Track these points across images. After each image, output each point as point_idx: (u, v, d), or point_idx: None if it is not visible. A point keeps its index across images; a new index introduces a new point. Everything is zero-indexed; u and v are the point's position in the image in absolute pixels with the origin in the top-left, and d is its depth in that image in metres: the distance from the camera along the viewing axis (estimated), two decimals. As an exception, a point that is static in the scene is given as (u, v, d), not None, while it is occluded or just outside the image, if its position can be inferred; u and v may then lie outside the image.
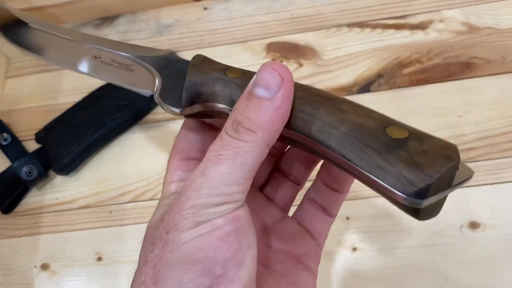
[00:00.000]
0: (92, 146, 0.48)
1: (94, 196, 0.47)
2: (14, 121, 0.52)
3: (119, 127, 0.49)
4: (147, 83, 0.26)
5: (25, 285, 0.44)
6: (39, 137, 0.49)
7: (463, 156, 0.42)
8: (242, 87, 0.22)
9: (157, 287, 0.19)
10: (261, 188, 0.29)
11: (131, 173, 0.47)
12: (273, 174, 0.29)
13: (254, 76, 0.21)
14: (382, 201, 0.42)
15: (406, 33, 0.49)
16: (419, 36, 0.48)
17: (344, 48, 0.49)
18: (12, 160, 0.48)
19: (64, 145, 0.48)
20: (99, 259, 0.44)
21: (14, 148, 0.49)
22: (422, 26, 0.49)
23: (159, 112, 0.50)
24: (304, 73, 0.49)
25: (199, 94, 0.24)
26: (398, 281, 0.39)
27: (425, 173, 0.19)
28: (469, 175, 0.20)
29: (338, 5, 0.52)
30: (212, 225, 0.19)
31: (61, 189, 0.48)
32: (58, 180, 0.48)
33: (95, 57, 0.28)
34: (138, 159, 0.48)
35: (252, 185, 0.22)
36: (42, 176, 0.47)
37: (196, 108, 0.24)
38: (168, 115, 0.49)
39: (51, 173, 0.48)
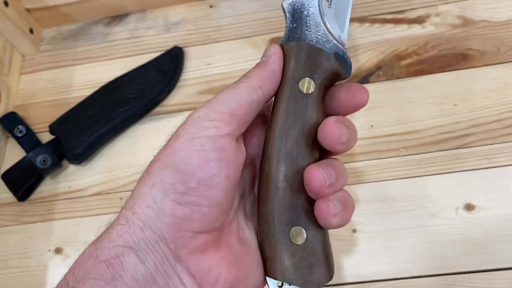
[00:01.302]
0: (104, 137, 0.50)
1: (105, 184, 0.49)
2: (28, 114, 0.54)
3: (129, 118, 0.51)
4: None
5: (40, 268, 0.46)
6: (52, 128, 0.51)
7: (458, 142, 0.44)
8: None
9: (146, 179, 0.23)
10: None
11: (141, 162, 0.49)
12: None
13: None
14: (381, 186, 0.44)
15: (403, 27, 0.51)
16: (416, 29, 0.50)
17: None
18: (27, 151, 0.51)
19: (77, 135, 0.50)
20: (111, 242, 0.46)
21: (29, 140, 0.52)
22: (419, 20, 0.51)
23: (167, 104, 0.52)
24: (306, 66, 0.51)
25: None
26: (396, 259, 0.40)
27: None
28: None
29: (338, 1, 0.54)
30: (201, 145, 0.23)
31: (74, 178, 0.50)
32: (71, 169, 0.51)
33: None
34: (147, 149, 0.50)
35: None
36: (56, 165, 0.49)
37: None
38: (176, 107, 0.52)
39: (65, 162, 0.51)
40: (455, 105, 0.46)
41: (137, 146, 0.50)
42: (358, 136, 0.45)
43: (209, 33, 0.55)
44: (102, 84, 0.54)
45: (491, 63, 0.47)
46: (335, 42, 0.28)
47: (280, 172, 0.25)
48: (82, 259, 0.22)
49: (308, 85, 0.27)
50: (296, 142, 0.26)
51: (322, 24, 0.28)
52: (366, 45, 0.50)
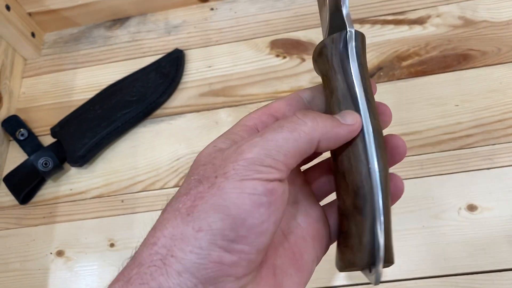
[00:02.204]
0: (105, 139, 0.50)
1: (106, 186, 0.49)
2: (30, 117, 0.55)
3: (130, 121, 0.51)
4: None
5: (41, 271, 0.46)
6: (54, 131, 0.51)
7: (460, 143, 0.44)
8: None
9: (189, 218, 0.21)
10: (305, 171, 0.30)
11: (142, 164, 0.49)
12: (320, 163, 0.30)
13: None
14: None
15: (404, 28, 0.51)
16: (417, 30, 0.50)
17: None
18: (28, 154, 0.51)
19: (78, 138, 0.50)
20: (112, 245, 0.46)
21: (31, 143, 0.52)
22: (420, 21, 0.51)
23: (168, 107, 0.52)
24: (307, 68, 0.51)
25: None
26: (399, 261, 0.40)
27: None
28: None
29: (339, 2, 0.54)
30: (253, 188, 0.21)
31: (75, 180, 0.50)
32: (73, 172, 0.51)
33: None
34: (148, 151, 0.50)
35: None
36: (57, 168, 0.49)
37: None
38: (177, 110, 0.52)
39: (66, 165, 0.51)
40: (457, 105, 0.46)
41: (138, 149, 0.50)
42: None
43: (209, 35, 0.56)
44: (104, 87, 0.54)
45: (492, 63, 0.47)
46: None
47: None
48: None
49: None
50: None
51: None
52: (367, 46, 0.50)
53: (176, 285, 0.20)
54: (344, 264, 0.25)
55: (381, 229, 0.24)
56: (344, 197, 0.25)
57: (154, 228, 0.22)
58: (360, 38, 0.26)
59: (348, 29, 0.26)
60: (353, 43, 0.26)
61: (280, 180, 0.22)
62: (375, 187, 0.24)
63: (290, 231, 0.26)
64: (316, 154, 0.26)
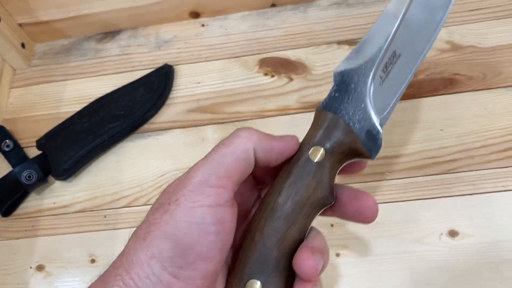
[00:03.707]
0: (91, 153, 0.50)
1: (90, 200, 0.49)
2: (17, 128, 0.54)
3: (117, 135, 0.51)
4: None
5: (21, 285, 0.45)
6: (40, 143, 0.51)
7: (444, 167, 0.44)
8: None
9: (144, 244, 0.23)
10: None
11: (127, 179, 0.49)
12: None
13: None
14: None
15: (392, 50, 0.51)
16: (404, 53, 0.50)
17: (333, 64, 0.52)
18: (13, 165, 0.50)
19: (64, 151, 0.50)
20: (93, 261, 0.45)
21: (16, 154, 0.51)
22: (408, 44, 0.51)
23: (155, 122, 0.52)
24: (295, 87, 0.51)
25: None
26: (380, 285, 0.40)
27: None
28: None
29: (328, 23, 0.54)
30: (202, 218, 0.23)
31: (59, 194, 0.50)
32: (57, 185, 0.50)
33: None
34: (134, 166, 0.50)
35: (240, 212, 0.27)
36: (41, 181, 0.49)
37: None
38: (164, 125, 0.52)
39: (51, 178, 0.50)
40: (442, 130, 0.46)
41: (124, 164, 0.50)
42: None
43: (200, 51, 0.56)
44: (93, 100, 0.54)
45: (478, 89, 0.47)
46: (372, 120, 0.27)
47: (263, 227, 0.26)
48: None
49: (319, 155, 0.27)
50: (289, 204, 0.26)
51: (366, 101, 0.27)
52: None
53: None
54: None
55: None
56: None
57: (122, 252, 0.24)
58: None
59: None
60: None
61: (228, 203, 0.24)
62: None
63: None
64: (270, 170, 0.28)
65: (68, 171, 0.49)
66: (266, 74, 0.52)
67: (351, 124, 0.27)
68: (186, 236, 0.23)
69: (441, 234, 0.41)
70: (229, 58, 0.55)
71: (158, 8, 0.57)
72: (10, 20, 0.56)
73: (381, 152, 0.45)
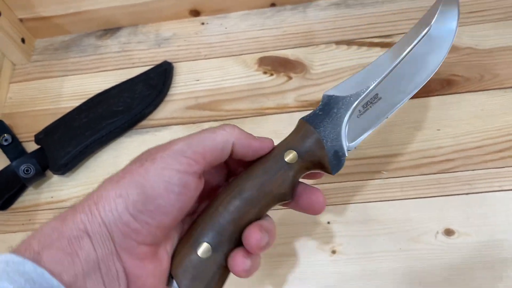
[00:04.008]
0: (89, 148, 0.50)
1: (87, 195, 0.49)
2: (15, 123, 0.54)
3: (115, 131, 0.51)
4: None
5: (17, 279, 0.45)
6: (38, 138, 0.51)
7: (440, 167, 0.44)
8: None
9: (116, 185, 0.27)
10: None
11: (124, 175, 0.49)
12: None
13: None
14: (362, 208, 0.44)
15: (390, 51, 0.51)
16: (402, 54, 0.51)
17: (331, 64, 0.52)
18: (11, 159, 0.50)
19: (62, 146, 0.50)
20: (89, 255, 0.45)
21: (14, 149, 0.51)
22: (406, 45, 0.51)
23: (154, 118, 0.52)
24: (293, 86, 0.51)
25: None
26: (374, 283, 0.40)
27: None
28: None
29: (327, 23, 0.55)
30: (169, 177, 0.26)
31: (57, 188, 0.50)
32: (55, 180, 0.50)
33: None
34: (131, 162, 0.50)
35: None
36: (39, 175, 0.49)
37: None
38: (162, 122, 0.52)
39: (48, 173, 0.51)
40: (438, 130, 0.46)
41: (121, 159, 0.50)
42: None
43: (199, 49, 0.56)
44: (92, 95, 0.54)
45: (475, 90, 0.48)
46: (342, 144, 0.32)
47: (228, 203, 0.29)
48: (47, 230, 0.25)
49: (292, 157, 0.31)
50: (256, 190, 0.30)
51: (342, 126, 0.32)
52: (353, 67, 0.51)
53: (97, 232, 0.25)
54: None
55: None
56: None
57: (94, 189, 0.28)
58: None
59: None
60: None
61: (196, 174, 0.27)
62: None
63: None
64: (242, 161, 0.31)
65: (66, 166, 0.49)
66: (265, 73, 0.53)
67: (324, 141, 0.32)
68: (153, 188, 0.26)
69: (437, 232, 0.41)
70: (228, 56, 0.55)
71: (159, 5, 0.57)
72: (10, 15, 0.56)
73: (379, 151, 0.46)
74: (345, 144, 0.32)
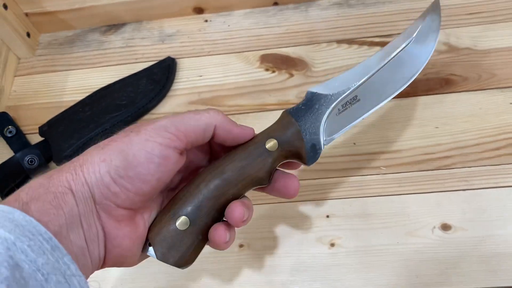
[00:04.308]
0: (92, 141, 0.51)
1: (90, 187, 0.49)
2: (19, 115, 0.55)
3: (118, 124, 0.51)
4: None
5: (19, 268, 0.46)
6: (42, 130, 0.52)
7: (438, 163, 0.45)
8: None
9: (101, 151, 0.28)
10: None
11: (127, 167, 0.50)
12: None
13: None
14: (361, 202, 0.44)
15: (390, 50, 0.52)
16: (402, 53, 0.52)
17: (332, 62, 0.53)
18: (15, 151, 0.51)
19: (66, 138, 0.50)
20: (91, 246, 0.46)
21: (18, 140, 0.52)
22: (406, 45, 0.52)
23: (157, 113, 0.53)
24: (295, 83, 0.52)
25: None
26: (372, 275, 0.41)
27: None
28: None
29: (329, 22, 0.56)
30: (151, 149, 0.28)
31: (60, 180, 0.50)
32: (57, 172, 0.51)
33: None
34: (134, 155, 0.51)
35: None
36: (43, 166, 0.50)
37: None
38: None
39: (52, 164, 0.51)
40: (437, 127, 0.47)
41: (124, 152, 0.51)
42: (343, 153, 0.47)
43: (202, 46, 0.57)
44: (95, 90, 0.55)
45: (472, 89, 0.49)
46: (320, 138, 0.34)
47: (209, 181, 0.31)
48: (34, 185, 0.27)
49: (272, 145, 0.33)
50: (236, 172, 0.32)
51: (321, 121, 0.35)
52: (353, 65, 0.52)
53: (79, 190, 0.27)
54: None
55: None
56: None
57: (81, 154, 0.29)
58: None
59: None
60: None
61: (177, 150, 0.29)
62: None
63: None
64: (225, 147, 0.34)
65: (69, 158, 0.50)
66: (267, 70, 0.54)
67: (303, 133, 0.34)
68: (135, 156, 0.28)
69: (434, 227, 0.42)
70: (231, 53, 0.56)
71: (163, 2, 0.58)
72: (16, 9, 0.57)
73: (378, 147, 0.47)
74: (322, 138, 0.35)
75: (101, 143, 0.29)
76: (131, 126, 0.31)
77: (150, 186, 0.29)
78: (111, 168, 0.28)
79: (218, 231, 0.31)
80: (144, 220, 0.31)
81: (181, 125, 0.30)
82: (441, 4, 0.54)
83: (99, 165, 0.28)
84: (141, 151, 0.28)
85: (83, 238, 0.27)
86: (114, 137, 0.30)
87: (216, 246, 0.32)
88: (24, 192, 0.26)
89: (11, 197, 0.26)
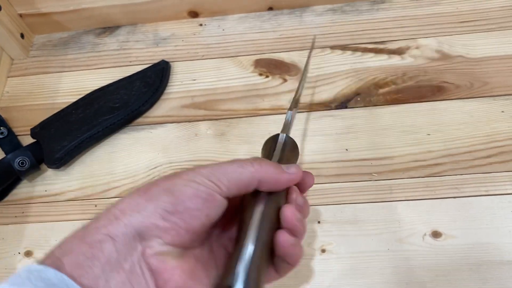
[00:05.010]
0: (84, 143, 0.50)
1: (81, 190, 0.49)
2: (12, 117, 0.55)
3: (111, 127, 0.51)
4: None
5: (8, 270, 0.46)
6: (34, 132, 0.52)
7: (429, 170, 0.45)
8: None
9: (143, 194, 0.27)
10: None
11: (119, 170, 0.50)
12: None
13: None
14: (352, 208, 0.45)
15: (384, 57, 0.53)
16: (395, 60, 0.52)
17: (326, 68, 0.53)
18: (6, 152, 0.51)
19: (57, 140, 0.50)
20: (81, 249, 0.46)
21: (10, 142, 0.52)
22: (399, 51, 0.53)
23: (150, 116, 0.53)
24: (288, 88, 0.52)
25: None
26: (362, 282, 0.41)
27: None
28: None
29: (323, 28, 0.56)
30: (197, 185, 0.27)
31: (51, 182, 0.50)
32: (49, 174, 0.51)
33: None
34: (126, 158, 0.51)
35: None
36: (34, 168, 0.49)
37: None
38: (158, 119, 0.52)
39: (43, 166, 0.51)
40: (429, 134, 0.47)
41: (116, 155, 0.51)
42: (334, 159, 0.47)
43: (196, 50, 0.57)
44: (88, 92, 0.55)
45: (464, 97, 0.49)
46: None
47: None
48: (70, 239, 0.26)
49: None
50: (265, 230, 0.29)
51: None
52: (346, 71, 0.52)
53: (121, 233, 0.26)
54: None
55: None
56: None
57: (116, 202, 0.27)
58: None
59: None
60: None
61: (219, 194, 0.28)
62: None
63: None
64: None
65: (60, 160, 0.50)
66: (260, 74, 0.54)
67: None
68: (181, 192, 0.27)
69: (425, 234, 0.42)
70: (225, 57, 0.56)
71: (158, 6, 0.58)
72: (10, 10, 0.56)
73: (370, 153, 0.47)
74: None
75: (141, 188, 0.28)
76: (168, 175, 0.29)
77: (200, 222, 0.27)
78: (158, 206, 0.26)
79: (287, 212, 0.30)
80: (194, 254, 0.29)
81: (223, 177, 0.28)
82: (434, 12, 0.55)
83: (145, 205, 0.26)
84: (187, 187, 0.27)
85: (127, 281, 0.26)
86: (153, 181, 0.28)
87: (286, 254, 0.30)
88: (58, 248, 0.26)
89: (46, 255, 0.25)
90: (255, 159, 0.30)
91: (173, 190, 0.27)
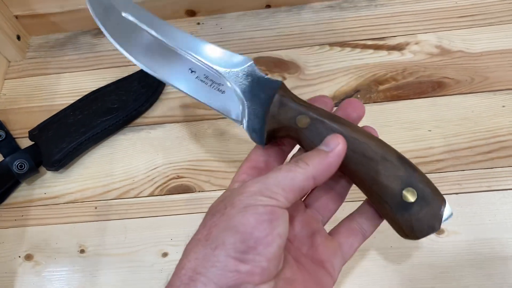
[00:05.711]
0: (83, 145, 0.50)
1: (81, 192, 0.49)
2: (9, 119, 0.54)
3: (109, 128, 0.51)
4: (235, 108, 0.33)
5: (8, 274, 0.45)
6: (32, 134, 0.51)
7: (430, 167, 0.45)
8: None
9: (207, 243, 0.25)
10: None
11: (118, 172, 0.49)
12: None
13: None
14: (353, 206, 0.44)
15: (383, 53, 0.52)
16: (395, 56, 0.52)
17: (325, 65, 0.53)
18: (4, 155, 0.50)
19: (56, 142, 0.50)
20: (82, 251, 0.45)
21: (8, 144, 0.51)
22: (398, 47, 0.52)
23: (149, 116, 0.52)
24: (288, 86, 0.52)
25: (277, 132, 0.32)
26: (365, 280, 0.41)
27: (413, 235, 0.31)
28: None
29: (321, 25, 0.55)
30: (255, 209, 0.25)
31: (50, 184, 0.50)
32: (48, 176, 0.50)
33: (191, 71, 0.35)
34: (126, 159, 0.50)
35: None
36: (32, 171, 0.49)
37: (273, 140, 0.33)
38: (157, 119, 0.52)
39: (42, 169, 0.51)
40: (429, 130, 0.47)
41: (116, 156, 0.50)
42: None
43: (194, 49, 0.56)
44: (86, 93, 0.54)
45: (465, 92, 0.49)
46: None
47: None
48: None
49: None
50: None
51: None
52: (346, 68, 0.52)
53: None
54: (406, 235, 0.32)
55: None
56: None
57: (181, 259, 0.26)
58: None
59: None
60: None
61: (279, 207, 0.26)
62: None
63: (308, 254, 0.32)
64: None
65: (59, 162, 0.49)
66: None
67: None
68: (244, 225, 0.25)
69: (427, 231, 0.42)
70: (223, 56, 0.55)
71: (155, 5, 0.57)
72: (6, 11, 0.56)
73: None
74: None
75: (200, 235, 0.26)
76: (219, 204, 0.27)
77: (276, 246, 0.25)
78: (229, 251, 0.24)
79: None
80: (285, 277, 0.27)
81: (277, 188, 0.26)
82: (434, 7, 0.54)
83: (214, 254, 0.24)
84: (246, 216, 0.25)
85: None
86: (209, 222, 0.26)
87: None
88: None
89: None
90: (297, 161, 0.28)
91: (234, 225, 0.25)
